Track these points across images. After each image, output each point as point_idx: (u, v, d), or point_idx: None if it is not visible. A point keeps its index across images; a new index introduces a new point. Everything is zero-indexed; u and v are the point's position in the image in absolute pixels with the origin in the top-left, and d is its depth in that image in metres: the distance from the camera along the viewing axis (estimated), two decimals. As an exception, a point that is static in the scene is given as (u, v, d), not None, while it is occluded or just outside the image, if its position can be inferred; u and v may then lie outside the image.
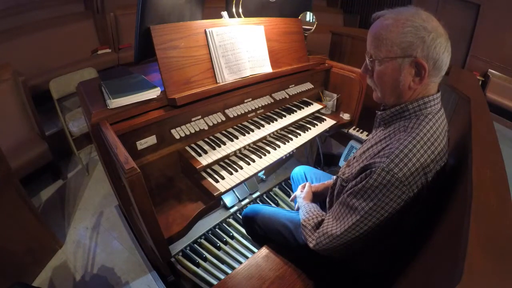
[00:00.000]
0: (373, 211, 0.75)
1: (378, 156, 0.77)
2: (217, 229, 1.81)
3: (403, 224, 0.79)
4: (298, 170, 1.57)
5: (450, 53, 0.75)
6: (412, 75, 0.76)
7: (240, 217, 1.88)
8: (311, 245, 0.93)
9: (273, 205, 2.03)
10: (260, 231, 1.32)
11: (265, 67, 1.58)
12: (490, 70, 3.84)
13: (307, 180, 1.50)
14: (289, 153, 1.54)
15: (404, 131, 0.77)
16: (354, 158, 0.96)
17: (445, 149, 0.78)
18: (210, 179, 1.29)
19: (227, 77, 1.41)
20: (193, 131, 1.36)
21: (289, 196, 2.13)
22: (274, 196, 2.09)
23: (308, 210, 1.06)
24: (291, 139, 1.62)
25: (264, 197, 2.07)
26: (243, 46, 1.47)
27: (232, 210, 1.91)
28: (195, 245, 1.69)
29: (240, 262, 1.65)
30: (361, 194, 0.77)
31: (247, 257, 1.65)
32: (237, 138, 1.46)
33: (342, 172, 0.95)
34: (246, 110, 1.58)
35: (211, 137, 1.46)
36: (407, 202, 0.73)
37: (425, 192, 0.75)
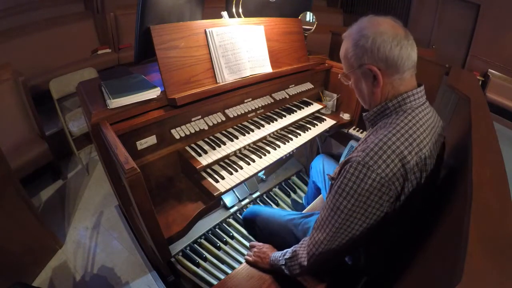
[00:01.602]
0: (356, 207, 0.74)
1: (356, 150, 0.78)
2: (217, 229, 1.81)
3: (393, 220, 0.78)
4: (318, 161, 1.60)
5: (404, 46, 0.75)
6: (371, 81, 0.81)
7: (241, 217, 1.89)
8: (305, 262, 0.90)
9: (273, 205, 2.03)
10: (260, 232, 1.33)
11: (265, 67, 1.58)
12: (490, 70, 3.84)
13: (324, 174, 1.50)
14: (289, 153, 1.54)
15: (384, 127, 0.79)
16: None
17: (427, 142, 0.77)
18: (210, 179, 1.29)
19: (227, 77, 1.41)
20: (193, 131, 1.36)
21: (289, 196, 2.13)
22: (274, 196, 2.10)
23: (284, 252, 1.03)
24: (291, 139, 1.62)
25: (264, 197, 2.07)
26: (243, 46, 1.47)
27: (232, 210, 1.91)
28: (195, 245, 1.69)
29: (240, 262, 1.65)
30: (340, 191, 0.77)
31: (247, 257, 1.65)
32: (237, 138, 1.46)
33: (334, 172, 0.96)
34: (246, 110, 1.58)
35: (211, 137, 1.46)
36: (389, 195, 0.72)
37: (407, 185, 0.74)
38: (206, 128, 1.41)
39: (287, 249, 1.03)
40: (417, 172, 0.75)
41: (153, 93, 1.25)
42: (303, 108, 1.81)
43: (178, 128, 1.34)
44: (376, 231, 0.79)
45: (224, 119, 1.48)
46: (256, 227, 1.33)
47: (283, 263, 1.01)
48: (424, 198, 0.83)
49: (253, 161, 1.42)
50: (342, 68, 0.91)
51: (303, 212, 1.35)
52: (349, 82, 0.91)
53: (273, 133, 1.59)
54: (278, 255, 1.06)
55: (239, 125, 1.58)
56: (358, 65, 0.80)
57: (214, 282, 1.52)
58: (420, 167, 0.75)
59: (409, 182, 0.74)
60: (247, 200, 1.99)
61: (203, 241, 1.73)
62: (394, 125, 0.76)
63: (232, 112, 1.52)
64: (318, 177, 1.55)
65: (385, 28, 0.76)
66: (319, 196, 1.62)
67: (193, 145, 1.39)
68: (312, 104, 1.88)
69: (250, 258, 1.20)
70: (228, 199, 1.93)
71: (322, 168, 1.53)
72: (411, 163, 0.73)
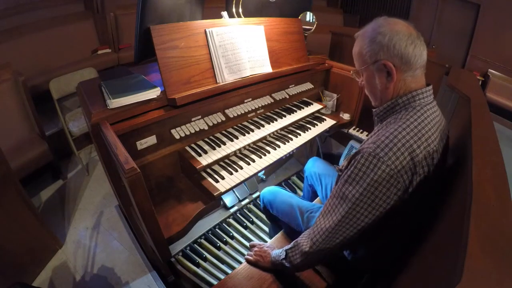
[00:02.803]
0: (363, 197, 0.76)
1: (367, 143, 0.81)
2: (217, 229, 1.81)
3: (397, 216, 0.79)
4: (312, 164, 1.60)
5: (417, 44, 0.79)
6: (385, 76, 0.83)
7: (241, 217, 1.89)
8: (307, 248, 0.91)
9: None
10: (273, 210, 1.40)
11: (265, 67, 1.58)
12: (490, 70, 3.83)
13: (320, 177, 1.50)
14: (289, 153, 1.54)
15: (394, 122, 0.82)
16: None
17: (435, 137, 0.79)
18: (210, 179, 1.29)
19: (227, 77, 1.41)
20: (193, 131, 1.36)
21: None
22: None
23: (285, 247, 1.04)
24: (291, 139, 1.62)
25: (264, 197, 2.07)
26: (243, 46, 1.47)
27: (232, 210, 1.91)
28: (195, 245, 1.69)
29: (240, 262, 1.65)
30: (350, 181, 0.79)
31: (247, 257, 1.65)
32: (237, 138, 1.46)
33: (342, 165, 0.97)
34: (246, 110, 1.58)
35: (211, 137, 1.46)
36: (397, 187, 0.74)
37: (415, 179, 0.76)
38: (206, 128, 1.41)
39: (288, 245, 1.04)
40: (425, 166, 0.77)
41: (153, 93, 1.25)
42: (303, 108, 1.81)
43: (178, 128, 1.34)
44: (381, 225, 0.79)
45: (224, 119, 1.48)
46: (272, 208, 1.40)
47: (284, 256, 1.02)
48: (430, 194, 0.84)
49: (253, 161, 1.42)
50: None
51: (313, 202, 1.39)
52: (360, 79, 0.93)
53: (273, 133, 1.59)
54: (279, 251, 1.07)
55: (239, 125, 1.58)
56: (373, 61, 0.83)
57: (214, 282, 1.52)
58: (428, 162, 0.77)
59: (417, 176, 0.76)
60: (247, 200, 1.99)
61: (203, 241, 1.73)
62: (404, 120, 0.79)
63: (232, 112, 1.52)
64: (314, 180, 1.55)
65: (400, 27, 0.80)
66: (317, 198, 1.61)
67: (193, 145, 1.39)
68: (312, 104, 1.88)
69: (251, 258, 1.20)
70: (228, 199, 1.93)
71: (316, 171, 1.52)
72: (420, 157, 0.75)
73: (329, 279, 1.13)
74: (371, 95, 0.92)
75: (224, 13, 1.54)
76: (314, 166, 1.57)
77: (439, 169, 0.81)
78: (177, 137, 1.32)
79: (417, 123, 0.78)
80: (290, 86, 1.84)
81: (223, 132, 1.51)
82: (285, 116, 1.70)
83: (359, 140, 2.03)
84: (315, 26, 1.93)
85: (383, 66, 0.81)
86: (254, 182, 2.06)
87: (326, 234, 0.85)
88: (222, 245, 1.72)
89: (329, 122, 1.83)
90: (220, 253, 1.69)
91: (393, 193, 0.74)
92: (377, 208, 0.76)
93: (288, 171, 2.30)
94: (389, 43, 0.78)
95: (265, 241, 1.73)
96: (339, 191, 0.82)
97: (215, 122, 1.44)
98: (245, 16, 1.66)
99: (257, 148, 1.52)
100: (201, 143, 1.41)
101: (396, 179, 0.73)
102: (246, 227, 1.84)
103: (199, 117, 1.42)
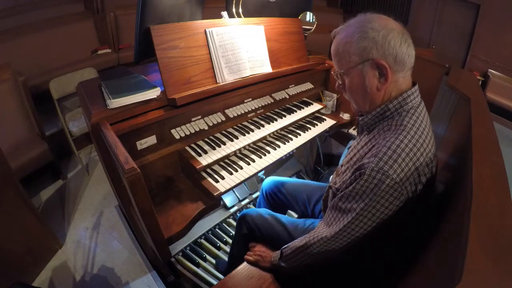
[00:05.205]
0: (364, 211, 0.73)
1: (366, 157, 0.75)
2: (217, 229, 1.81)
3: (398, 222, 0.78)
4: (272, 183, 1.47)
5: (410, 44, 0.74)
6: (377, 77, 0.76)
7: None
8: (301, 243, 0.90)
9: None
10: (258, 233, 1.28)
11: (265, 67, 1.58)
12: (490, 70, 3.83)
13: (284, 195, 1.41)
14: (289, 153, 1.54)
15: (389, 129, 0.76)
16: (341, 166, 0.95)
17: (432, 141, 0.76)
18: (210, 179, 1.29)
19: (227, 77, 1.41)
20: (193, 131, 1.36)
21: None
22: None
23: (285, 247, 1.01)
24: (291, 139, 1.62)
25: (264, 197, 2.07)
26: (243, 46, 1.47)
27: (232, 210, 1.91)
28: (195, 245, 1.69)
29: (240, 262, 1.65)
30: (353, 196, 0.75)
31: (247, 257, 1.65)
32: (237, 138, 1.46)
33: (333, 182, 0.94)
34: (246, 110, 1.58)
35: (211, 137, 1.46)
36: (400, 200, 0.71)
37: (419, 188, 0.73)
38: (206, 128, 1.41)
39: (280, 251, 1.04)
40: (427, 174, 0.74)
41: (153, 93, 1.25)
42: (303, 108, 1.81)
43: (178, 128, 1.34)
44: (381, 232, 0.78)
45: (224, 119, 1.48)
46: (255, 227, 1.28)
47: (279, 255, 1.02)
48: (429, 198, 0.82)
49: (253, 161, 1.42)
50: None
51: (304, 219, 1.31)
52: (340, 81, 0.85)
53: (273, 133, 1.59)
54: (278, 251, 1.07)
55: (239, 125, 1.58)
56: (362, 60, 0.75)
57: (214, 282, 1.52)
58: (430, 168, 0.74)
59: (420, 185, 0.73)
60: (247, 200, 1.99)
61: (203, 241, 1.73)
62: (403, 127, 0.74)
63: (232, 112, 1.52)
64: (282, 201, 1.45)
65: (392, 24, 0.74)
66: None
67: (193, 145, 1.39)
68: (312, 104, 1.88)
69: (251, 258, 1.19)
70: (228, 199, 1.93)
71: (283, 190, 1.43)
72: (423, 165, 0.72)
73: (328, 281, 1.13)
74: (358, 100, 0.83)
75: (224, 13, 1.54)
76: (277, 186, 1.45)
77: (435, 172, 0.80)
78: (177, 137, 1.32)
79: (415, 129, 0.73)
80: (290, 86, 1.84)
81: (223, 132, 1.51)
82: (285, 116, 1.70)
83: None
84: (315, 26, 1.93)
85: (375, 65, 0.74)
86: (254, 182, 2.06)
87: (321, 242, 0.84)
88: (222, 245, 1.72)
89: (329, 122, 1.83)
90: (220, 253, 1.69)
91: (396, 205, 0.71)
92: (377, 221, 0.74)
93: (288, 171, 2.30)
94: (384, 40, 0.71)
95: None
96: (342, 205, 0.79)
97: (215, 122, 1.44)
98: (245, 16, 1.66)
99: (257, 148, 1.52)
100: (201, 143, 1.41)
101: (400, 192, 0.70)
102: (246, 227, 1.84)
103: (199, 117, 1.42)
